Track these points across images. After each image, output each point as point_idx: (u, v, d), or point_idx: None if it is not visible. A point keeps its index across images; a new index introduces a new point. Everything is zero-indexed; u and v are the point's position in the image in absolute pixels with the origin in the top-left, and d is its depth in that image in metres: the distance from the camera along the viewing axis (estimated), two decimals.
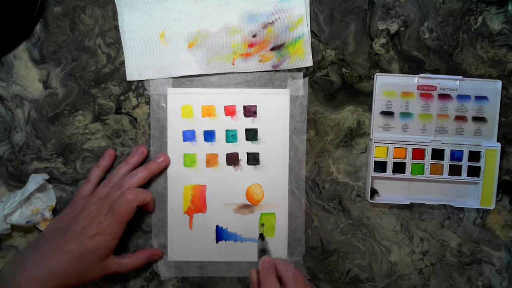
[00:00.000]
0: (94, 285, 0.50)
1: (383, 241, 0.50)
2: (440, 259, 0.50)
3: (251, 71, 0.48)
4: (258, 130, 0.49)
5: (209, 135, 0.49)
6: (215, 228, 0.49)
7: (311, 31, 0.48)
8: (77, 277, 0.43)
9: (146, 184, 0.49)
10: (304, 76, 0.48)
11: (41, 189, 0.48)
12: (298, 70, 0.48)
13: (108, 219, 0.43)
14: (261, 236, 0.48)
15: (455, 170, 0.48)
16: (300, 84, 0.48)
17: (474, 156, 0.47)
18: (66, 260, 0.41)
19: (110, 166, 0.48)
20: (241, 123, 0.49)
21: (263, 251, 0.46)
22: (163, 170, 0.49)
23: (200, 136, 0.49)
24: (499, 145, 0.47)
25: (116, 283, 0.50)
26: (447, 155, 0.48)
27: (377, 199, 0.49)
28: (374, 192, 0.49)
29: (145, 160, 0.48)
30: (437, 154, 0.48)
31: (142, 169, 0.47)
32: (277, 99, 0.48)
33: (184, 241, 0.49)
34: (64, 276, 0.42)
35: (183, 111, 0.49)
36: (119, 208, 0.43)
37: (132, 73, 0.48)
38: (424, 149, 0.48)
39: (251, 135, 0.49)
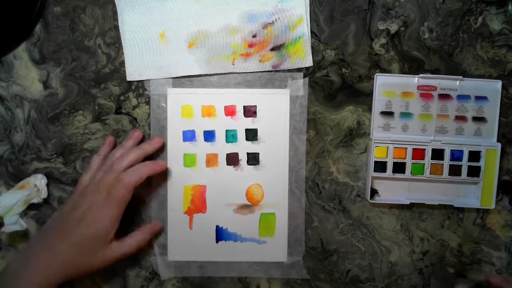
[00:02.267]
0: (94, 285, 0.50)
1: (383, 241, 0.50)
2: (440, 259, 0.50)
3: (251, 71, 0.48)
4: (258, 130, 0.49)
5: (209, 135, 0.49)
6: (215, 228, 0.49)
7: (311, 31, 0.48)
8: (82, 265, 0.43)
9: (146, 182, 0.49)
10: (304, 76, 0.48)
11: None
12: (298, 70, 0.48)
13: (107, 204, 0.43)
14: (458, 275, 0.40)
15: (455, 170, 0.48)
16: (300, 84, 0.48)
17: (474, 156, 0.47)
18: (68, 249, 0.42)
19: None
20: (241, 123, 0.49)
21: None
22: (158, 152, 0.48)
23: (200, 136, 0.49)
24: (499, 145, 0.47)
25: (116, 283, 0.50)
26: (447, 155, 0.48)
27: (377, 199, 0.49)
28: (374, 192, 0.49)
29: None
30: (437, 154, 0.48)
31: (135, 149, 0.46)
32: (277, 99, 0.48)
33: (184, 241, 0.49)
34: (69, 265, 0.42)
35: (183, 111, 0.49)
36: (117, 193, 0.43)
37: (132, 73, 0.48)
38: (424, 149, 0.48)
39: (251, 135, 0.49)
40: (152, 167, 0.45)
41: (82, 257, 0.42)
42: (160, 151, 0.49)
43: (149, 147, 0.47)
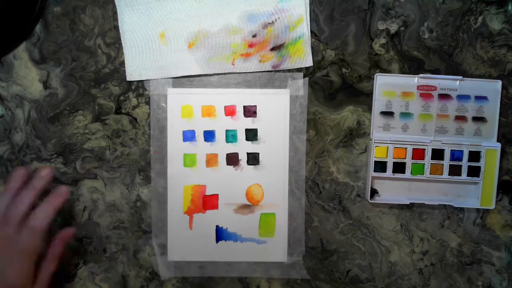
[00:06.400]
0: (94, 285, 0.50)
1: (383, 241, 0.50)
2: (440, 259, 0.50)
3: (251, 71, 0.48)
4: (258, 130, 0.49)
5: (209, 135, 0.49)
6: (215, 228, 0.49)
7: (311, 31, 0.48)
8: None
9: (145, 185, 0.49)
10: (304, 76, 0.48)
11: None
12: (298, 70, 0.48)
13: (16, 258, 0.39)
14: None
15: (455, 170, 0.48)
16: (300, 84, 0.48)
17: (474, 156, 0.47)
18: None
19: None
20: (241, 123, 0.49)
21: None
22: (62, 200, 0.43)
23: (200, 136, 0.49)
24: (499, 145, 0.47)
25: (116, 283, 0.50)
26: (447, 155, 0.48)
27: (377, 199, 0.49)
28: (374, 192, 0.49)
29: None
30: (437, 154, 0.48)
31: (25, 192, 0.41)
32: (277, 99, 0.48)
33: (184, 241, 0.49)
34: None
35: (183, 111, 0.49)
36: (26, 244, 0.39)
37: (132, 73, 0.48)
38: (424, 149, 0.48)
39: (251, 135, 0.49)
40: (57, 201, 0.42)
41: None
42: (160, 151, 0.49)
43: (39, 184, 0.42)
